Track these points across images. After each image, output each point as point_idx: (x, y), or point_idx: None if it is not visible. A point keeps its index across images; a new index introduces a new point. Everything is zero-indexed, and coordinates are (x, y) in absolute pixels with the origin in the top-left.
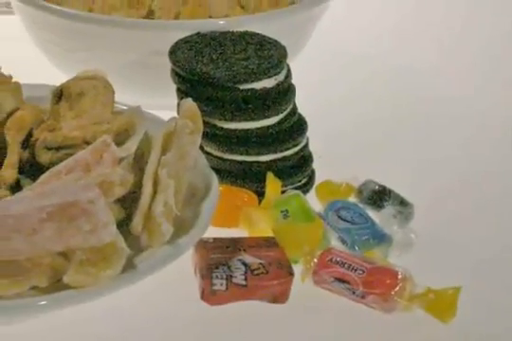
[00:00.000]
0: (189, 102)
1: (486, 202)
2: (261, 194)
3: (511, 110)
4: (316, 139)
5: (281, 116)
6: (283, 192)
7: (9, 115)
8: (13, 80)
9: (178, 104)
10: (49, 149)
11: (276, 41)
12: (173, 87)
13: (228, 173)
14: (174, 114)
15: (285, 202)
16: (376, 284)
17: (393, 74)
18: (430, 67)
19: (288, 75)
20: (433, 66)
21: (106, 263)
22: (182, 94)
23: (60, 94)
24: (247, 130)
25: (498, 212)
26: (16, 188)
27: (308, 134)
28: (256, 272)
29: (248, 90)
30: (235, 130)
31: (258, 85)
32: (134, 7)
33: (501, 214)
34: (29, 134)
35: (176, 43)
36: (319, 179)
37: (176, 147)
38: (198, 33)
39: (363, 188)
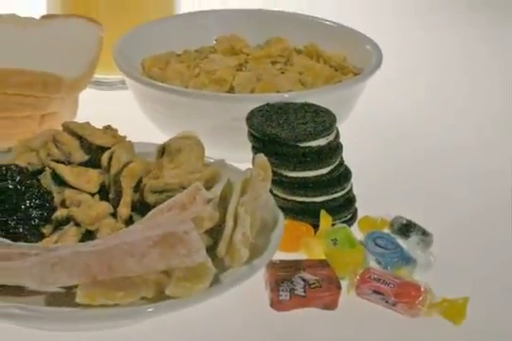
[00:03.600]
0: (261, 157)
1: (489, 234)
2: (316, 227)
3: None
4: (358, 185)
5: (331, 167)
6: (333, 225)
7: (125, 166)
8: (127, 139)
9: (253, 158)
10: (154, 192)
11: (328, 109)
12: (249, 145)
13: (291, 211)
14: (250, 165)
15: (335, 232)
16: (404, 295)
17: (417, 132)
18: (453, 124)
19: (337, 135)
20: (456, 124)
21: (198, 279)
22: (256, 150)
23: (162, 150)
24: (306, 177)
25: (495, 239)
26: (129, 222)
27: (352, 180)
28: (313, 286)
29: (307, 147)
30: (296, 177)
31: (314, 143)
32: (219, 84)
33: (498, 240)
34: (140, 181)
35: (252, 111)
36: (360, 215)
37: (252, 190)
38: (268, 104)
39: (394, 221)
